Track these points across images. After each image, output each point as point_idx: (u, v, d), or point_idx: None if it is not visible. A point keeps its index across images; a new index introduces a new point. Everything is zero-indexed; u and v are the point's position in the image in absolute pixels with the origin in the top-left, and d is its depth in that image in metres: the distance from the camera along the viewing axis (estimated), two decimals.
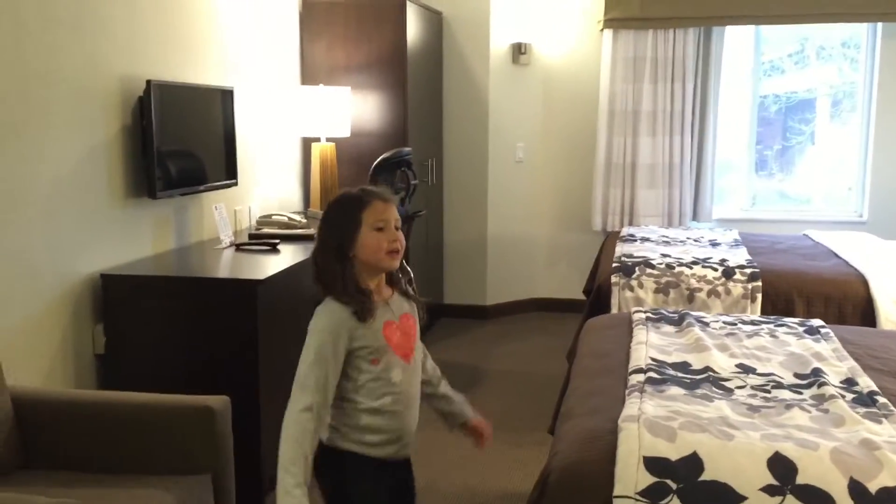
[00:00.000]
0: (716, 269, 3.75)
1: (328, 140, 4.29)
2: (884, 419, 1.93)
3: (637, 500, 1.70)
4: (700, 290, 3.67)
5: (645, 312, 2.94)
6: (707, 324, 2.78)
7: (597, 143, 5.45)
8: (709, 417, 1.92)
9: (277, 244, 3.39)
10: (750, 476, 1.70)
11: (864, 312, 3.59)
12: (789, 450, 1.75)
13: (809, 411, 1.99)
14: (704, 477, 1.71)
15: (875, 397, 2.07)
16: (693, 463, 1.74)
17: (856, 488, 1.65)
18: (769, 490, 1.67)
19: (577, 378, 2.41)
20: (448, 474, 3.22)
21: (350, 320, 1.77)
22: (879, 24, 5.22)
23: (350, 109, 4.40)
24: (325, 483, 1.86)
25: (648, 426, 1.85)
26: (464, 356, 4.80)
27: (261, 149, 4.13)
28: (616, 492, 1.72)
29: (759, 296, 3.62)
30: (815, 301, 3.65)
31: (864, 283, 3.66)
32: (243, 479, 2.53)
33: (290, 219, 3.81)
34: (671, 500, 1.69)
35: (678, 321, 2.80)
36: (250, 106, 3.98)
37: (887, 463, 1.69)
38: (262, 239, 3.51)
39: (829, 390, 2.11)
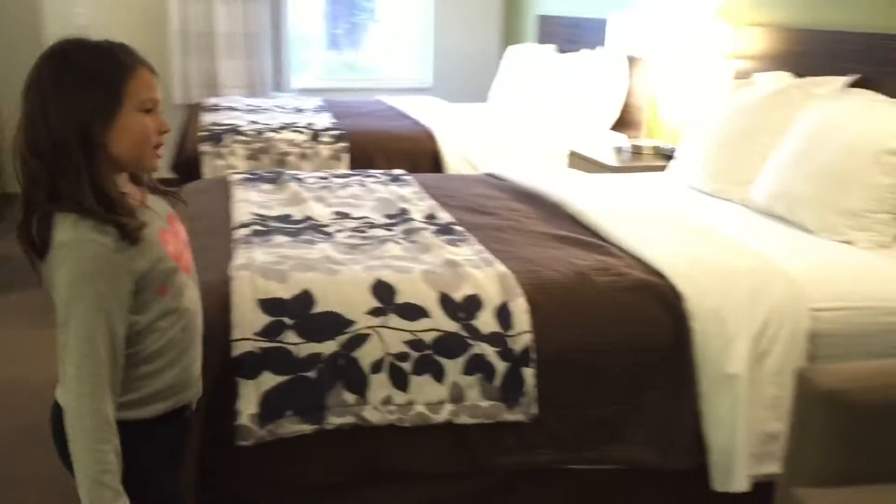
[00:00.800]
0: (304, 133, 3.87)
1: None
2: (461, 243, 2.21)
3: (255, 339, 1.76)
4: (290, 153, 3.77)
5: (241, 174, 2.95)
6: (302, 180, 2.88)
7: (170, 9, 5.16)
8: (315, 258, 2.02)
9: None
10: (356, 302, 1.85)
11: (434, 164, 4.02)
12: (388, 276, 1.93)
13: (401, 243, 2.20)
14: (316, 310, 1.82)
15: (452, 227, 2.36)
16: (304, 299, 1.84)
17: (444, 299, 1.89)
18: (374, 312, 1.84)
19: None
20: None
21: (116, 246, 1.23)
22: None
23: None
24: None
25: (260, 272, 1.90)
26: None
27: None
28: (234, 336, 1.76)
29: (346, 155, 3.83)
30: (394, 157, 3.97)
31: (433, 138, 4.08)
32: None
33: None
34: (287, 335, 1.78)
35: (275, 179, 2.86)
36: None
37: (467, 276, 1.96)
38: None
39: (415, 224, 2.35)
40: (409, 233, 2.29)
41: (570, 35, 5.12)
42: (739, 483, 1.89)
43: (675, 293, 1.98)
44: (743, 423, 1.91)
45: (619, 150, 3.99)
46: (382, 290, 1.88)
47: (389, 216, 2.47)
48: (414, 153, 4.01)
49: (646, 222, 2.40)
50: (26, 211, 1.26)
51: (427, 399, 1.82)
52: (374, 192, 2.75)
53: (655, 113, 4.06)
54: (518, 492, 1.96)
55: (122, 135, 1.26)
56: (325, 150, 3.82)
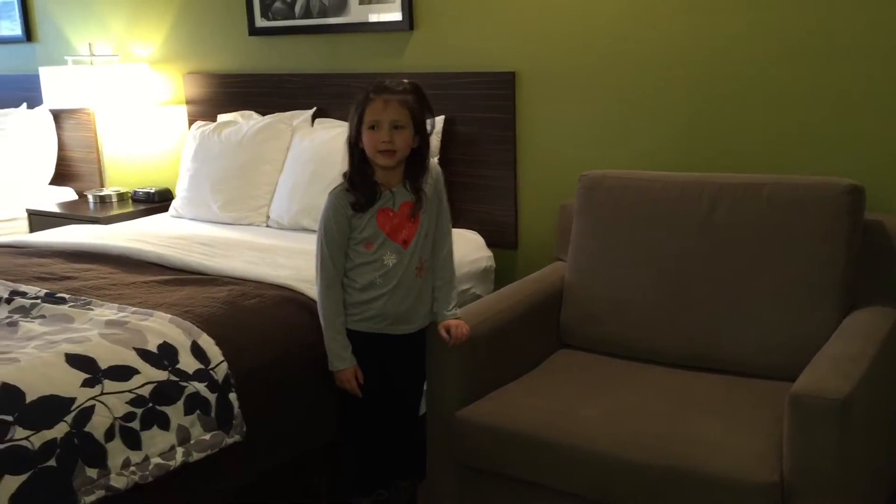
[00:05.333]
0: None
1: None
2: (94, 307, 2.19)
3: None
4: None
5: None
6: None
7: None
8: None
9: None
10: (66, 380, 1.79)
11: None
12: (74, 349, 1.89)
13: (34, 321, 2.09)
14: (31, 398, 1.71)
15: (60, 296, 2.28)
16: (12, 392, 1.70)
17: (142, 353, 1.94)
18: (88, 383, 1.81)
19: None
20: None
21: (348, 208, 2.03)
22: None
23: None
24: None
25: None
26: None
27: None
28: None
29: None
30: None
31: None
32: None
33: None
34: (14, 431, 1.65)
35: None
36: None
37: (145, 330, 2.02)
38: None
39: (19, 302, 2.22)
40: (22, 311, 2.17)
41: None
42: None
43: (311, 299, 2.34)
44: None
45: (80, 203, 4.03)
46: (82, 363, 1.84)
47: None
48: None
49: (233, 252, 2.69)
50: None
51: (160, 449, 1.88)
52: None
53: (104, 161, 4.14)
54: None
55: (364, 143, 2.04)
56: None
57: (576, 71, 2.89)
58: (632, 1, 2.74)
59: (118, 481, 1.79)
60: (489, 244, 3.04)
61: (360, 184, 2.04)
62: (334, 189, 2.08)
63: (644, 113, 2.79)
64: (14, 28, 4.46)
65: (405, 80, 2.07)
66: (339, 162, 3.02)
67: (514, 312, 2.43)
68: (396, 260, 2.08)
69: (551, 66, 2.93)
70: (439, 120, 3.06)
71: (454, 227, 3.06)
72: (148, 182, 4.11)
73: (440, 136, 3.06)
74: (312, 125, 3.39)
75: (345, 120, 2.13)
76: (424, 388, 2.30)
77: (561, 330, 2.58)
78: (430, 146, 2.14)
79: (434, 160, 2.18)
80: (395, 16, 3.20)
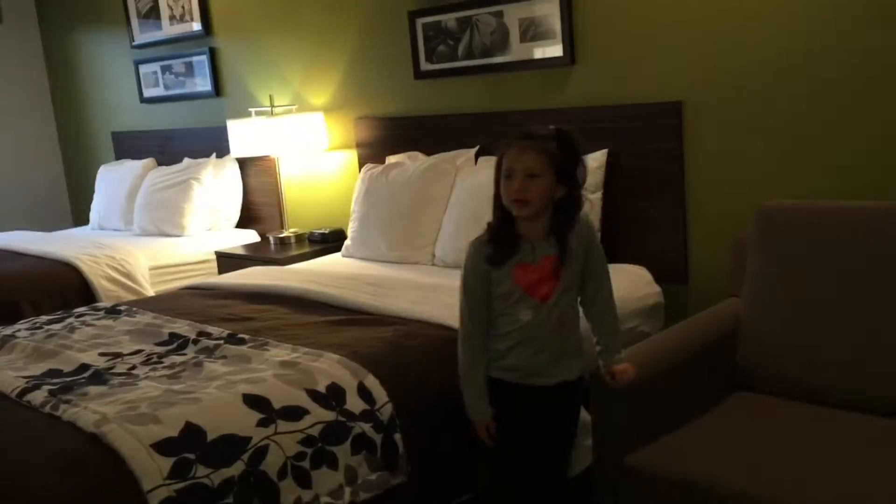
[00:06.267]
0: None
1: None
2: (270, 347, 2.30)
3: (168, 483, 1.69)
4: None
5: None
6: (13, 335, 2.59)
7: None
8: (158, 395, 1.96)
9: None
10: (242, 420, 1.88)
11: (85, 295, 3.81)
12: (251, 389, 1.98)
13: (216, 361, 2.22)
14: (211, 437, 1.81)
15: (240, 336, 2.41)
16: (194, 431, 1.81)
17: (312, 394, 2.01)
18: (262, 423, 1.89)
19: None
20: None
21: (483, 262, 1.95)
22: None
23: None
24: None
25: (125, 421, 1.81)
26: None
27: None
28: (146, 487, 1.67)
29: None
30: (38, 298, 3.68)
31: (75, 269, 3.87)
32: None
33: None
34: (196, 469, 1.74)
35: None
36: None
37: (315, 371, 2.09)
38: None
39: (205, 342, 2.36)
40: (206, 352, 2.30)
41: (160, 147, 5.19)
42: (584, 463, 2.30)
43: None
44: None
45: (262, 244, 4.26)
46: (257, 403, 1.93)
47: (164, 343, 2.42)
48: (61, 290, 3.77)
49: (398, 292, 2.74)
50: None
51: (329, 489, 1.92)
52: (111, 328, 2.62)
53: (284, 204, 4.38)
54: None
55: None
56: None
57: (747, 96, 2.74)
58: (811, 16, 2.57)
59: None
60: (658, 280, 2.93)
61: (500, 235, 1.95)
62: (475, 240, 2.00)
63: (825, 139, 2.60)
64: (205, 84, 4.83)
65: (552, 126, 1.93)
66: None
67: (686, 352, 2.32)
68: (532, 315, 1.96)
69: (721, 92, 2.80)
70: (601, 154, 3.01)
71: (621, 262, 2.99)
72: (323, 223, 4.29)
73: (604, 169, 3.00)
74: (476, 164, 3.42)
75: None
76: (575, 443, 2.21)
77: (739, 371, 2.42)
78: (581, 198, 1.99)
79: (584, 211, 2.02)
80: (557, 51, 3.18)
